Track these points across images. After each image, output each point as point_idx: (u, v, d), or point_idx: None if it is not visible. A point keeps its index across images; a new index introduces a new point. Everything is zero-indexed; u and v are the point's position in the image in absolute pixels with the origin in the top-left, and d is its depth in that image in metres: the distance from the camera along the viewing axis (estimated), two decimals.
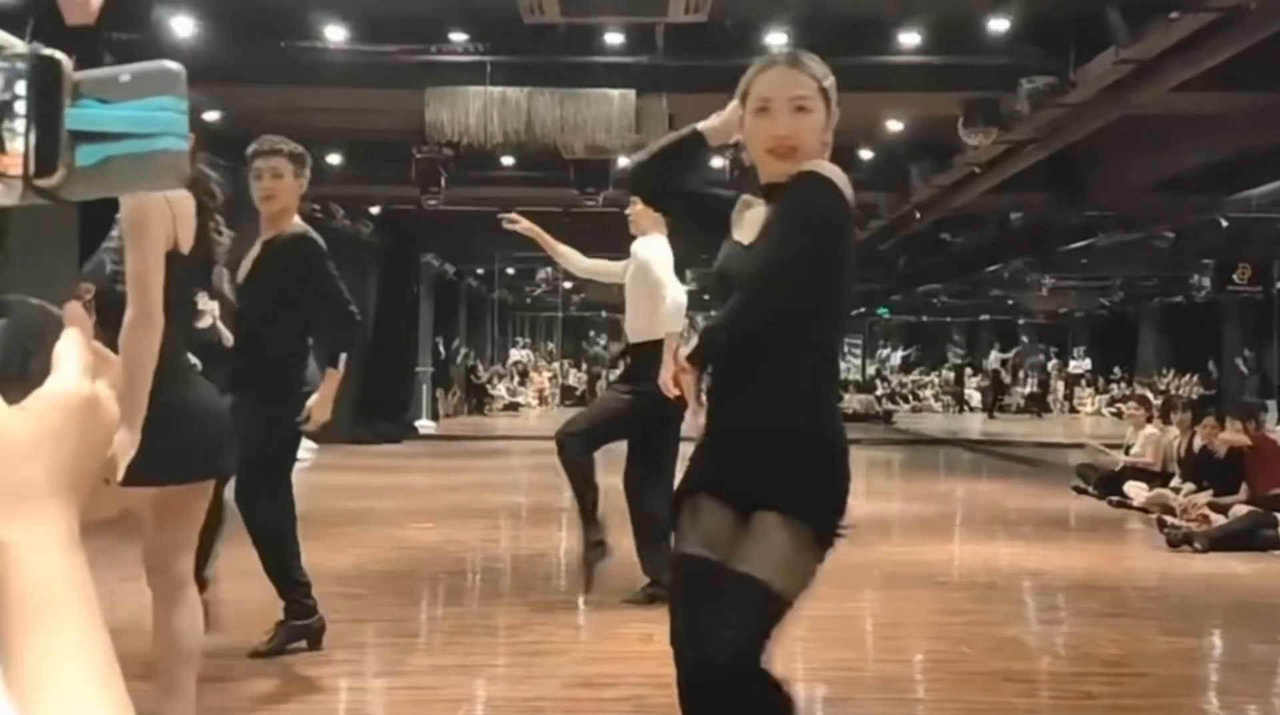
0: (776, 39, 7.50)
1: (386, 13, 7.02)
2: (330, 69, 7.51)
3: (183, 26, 6.99)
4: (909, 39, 7.64)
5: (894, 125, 9.85)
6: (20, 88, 0.59)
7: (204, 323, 11.35)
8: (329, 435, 12.74)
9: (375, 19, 7.15)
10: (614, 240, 17.10)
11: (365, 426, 13.66)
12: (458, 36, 7.51)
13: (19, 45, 0.61)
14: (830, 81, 2.14)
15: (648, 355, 4.59)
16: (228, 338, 11.84)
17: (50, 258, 6.70)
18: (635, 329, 4.82)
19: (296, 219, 3.91)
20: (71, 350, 0.58)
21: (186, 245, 2.57)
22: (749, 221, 2.16)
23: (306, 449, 12.04)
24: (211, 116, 9.02)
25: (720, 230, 2.21)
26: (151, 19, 7.03)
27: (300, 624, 3.87)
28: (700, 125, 2.25)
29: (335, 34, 7.27)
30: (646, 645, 4.21)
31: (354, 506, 8.11)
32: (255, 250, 3.94)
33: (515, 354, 26.95)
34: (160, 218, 2.50)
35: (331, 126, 9.06)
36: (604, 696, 3.54)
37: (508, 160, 10.52)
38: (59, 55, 0.60)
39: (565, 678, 3.73)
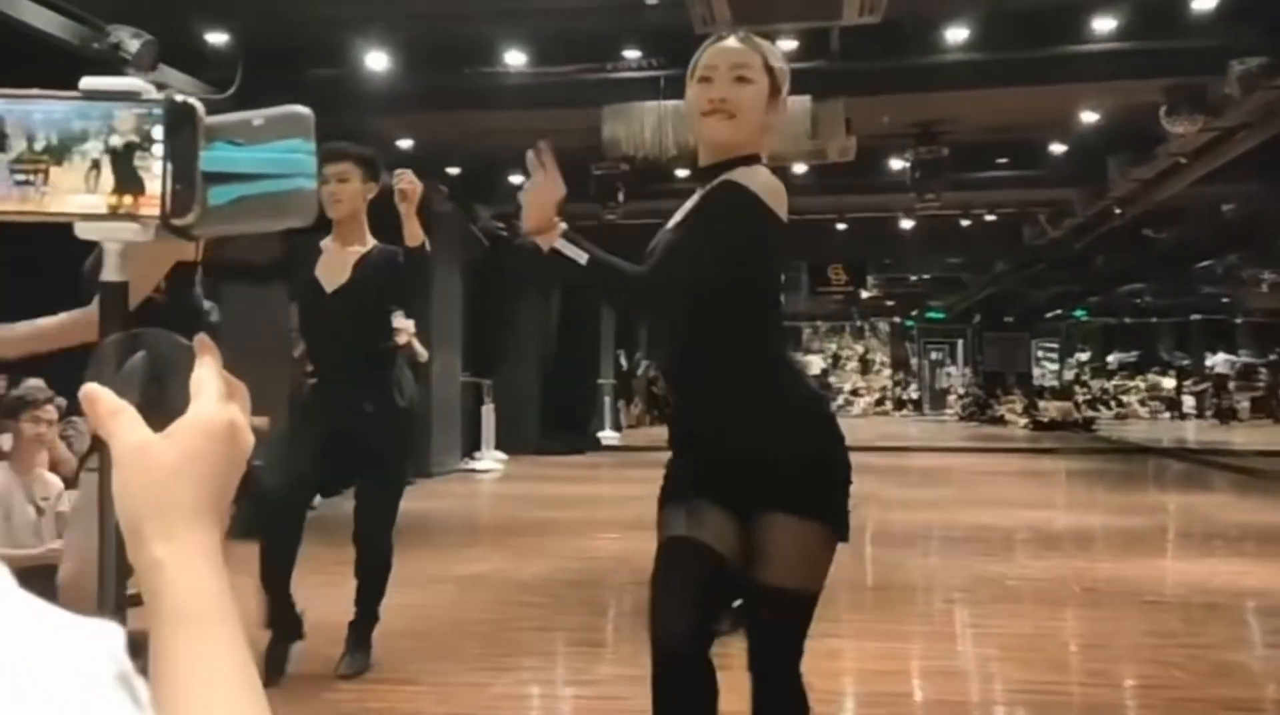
0: (957, 35, 7.25)
1: (563, 35, 7.20)
2: (511, 92, 7.76)
3: (376, 60, 7.38)
4: (1103, 25, 7.23)
5: (1088, 117, 9.34)
6: (157, 132, 0.63)
7: (401, 340, 11.81)
8: (516, 446, 13.20)
9: (552, 41, 7.35)
10: (789, 247, 16.83)
11: (550, 438, 14.02)
12: (631, 53, 7.63)
13: (154, 92, 0.65)
14: (779, 65, 2.08)
15: None
16: (423, 354, 12.30)
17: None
18: None
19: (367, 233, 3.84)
20: (209, 378, 0.62)
21: None
22: (681, 210, 2.13)
23: (495, 460, 12.50)
24: (404, 143, 9.49)
25: None
26: (349, 56, 7.47)
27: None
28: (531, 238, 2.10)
29: (515, 59, 7.51)
30: (831, 661, 4.13)
31: (540, 517, 8.32)
32: (339, 262, 3.83)
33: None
34: None
35: (514, 147, 9.34)
36: None
37: (683, 172, 10.59)
38: (193, 100, 0.64)
39: (743, 691, 3.70)
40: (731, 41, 2.09)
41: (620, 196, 10.01)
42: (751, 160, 2.06)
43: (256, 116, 0.66)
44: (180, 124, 0.64)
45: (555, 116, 8.24)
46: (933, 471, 12.02)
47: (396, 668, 3.99)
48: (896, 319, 28.61)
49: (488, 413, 12.50)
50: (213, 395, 0.61)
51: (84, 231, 0.64)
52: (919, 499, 9.68)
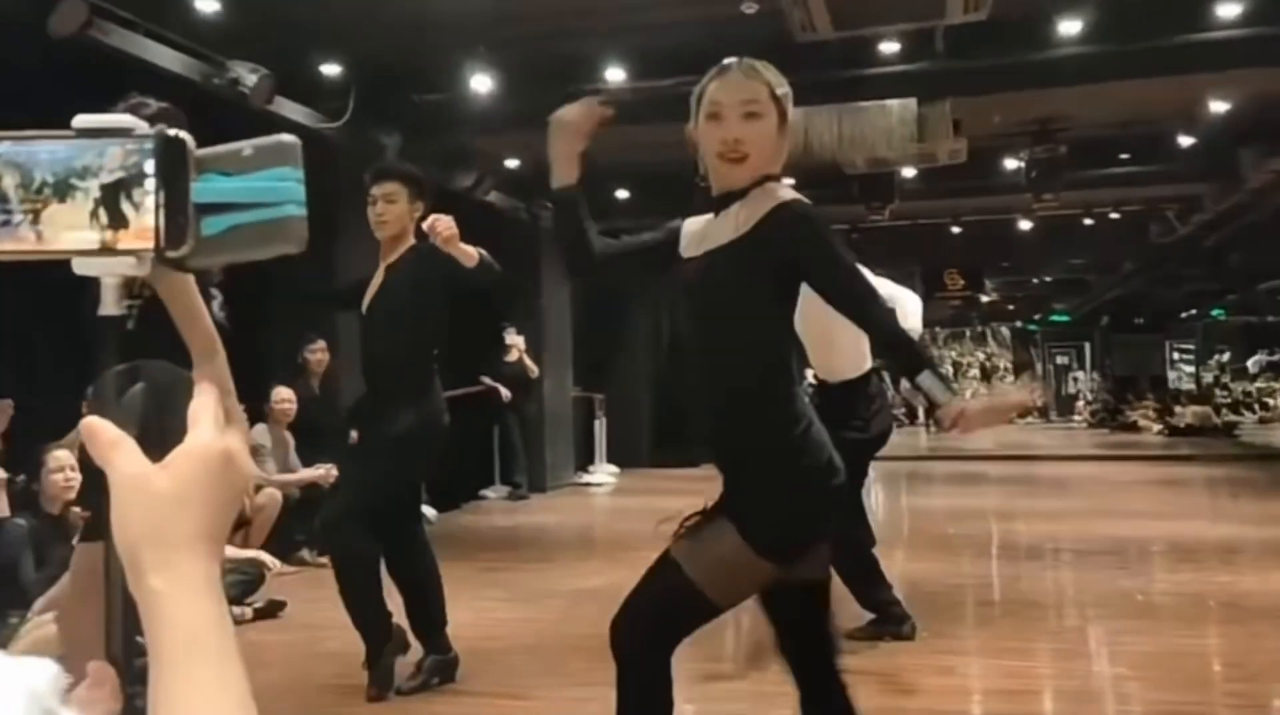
0: (1070, 27, 6.99)
1: (662, 48, 7.21)
2: (613, 108, 7.80)
3: (481, 83, 7.53)
4: (1227, 11, 6.87)
5: (1217, 107, 8.88)
6: (149, 166, 0.64)
7: (511, 357, 11.96)
8: (629, 460, 13.27)
9: (652, 55, 7.37)
10: (902, 252, 16.53)
11: (664, 451, 14.01)
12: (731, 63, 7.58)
13: (146, 128, 0.66)
14: (784, 90, 2.10)
15: (843, 395, 4.29)
16: (534, 370, 12.39)
17: None
18: (830, 368, 4.42)
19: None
20: (206, 408, 0.62)
21: None
22: (698, 235, 2.14)
23: (608, 473, 12.57)
24: (512, 163, 9.64)
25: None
26: (454, 80, 7.63)
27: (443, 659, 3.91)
28: (554, 183, 2.22)
29: (615, 74, 7.56)
30: (946, 679, 4.00)
31: (653, 530, 8.28)
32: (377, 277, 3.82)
33: (809, 374, 26.74)
34: None
35: (616, 162, 9.41)
36: None
37: (788, 180, 10.49)
38: (183, 135, 0.65)
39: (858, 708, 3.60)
40: (737, 74, 2.10)
41: None
42: (763, 182, 2.10)
43: (246, 147, 0.67)
44: (171, 158, 0.65)
45: (658, 130, 8.25)
46: (1061, 481, 11.57)
47: (505, 682, 4.02)
48: (1018, 323, 27.73)
49: (600, 426, 12.58)
50: (209, 424, 0.62)
51: (81, 267, 0.65)
52: (1046, 510, 9.32)
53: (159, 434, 0.62)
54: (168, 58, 6.03)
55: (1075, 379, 26.73)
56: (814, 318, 4.34)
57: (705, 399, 2.12)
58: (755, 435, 2.06)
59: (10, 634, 4.25)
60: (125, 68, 5.60)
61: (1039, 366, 27.81)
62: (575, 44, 7.25)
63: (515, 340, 10.47)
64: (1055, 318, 26.21)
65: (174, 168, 0.65)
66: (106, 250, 0.64)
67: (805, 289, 2.11)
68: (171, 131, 0.66)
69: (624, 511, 10.24)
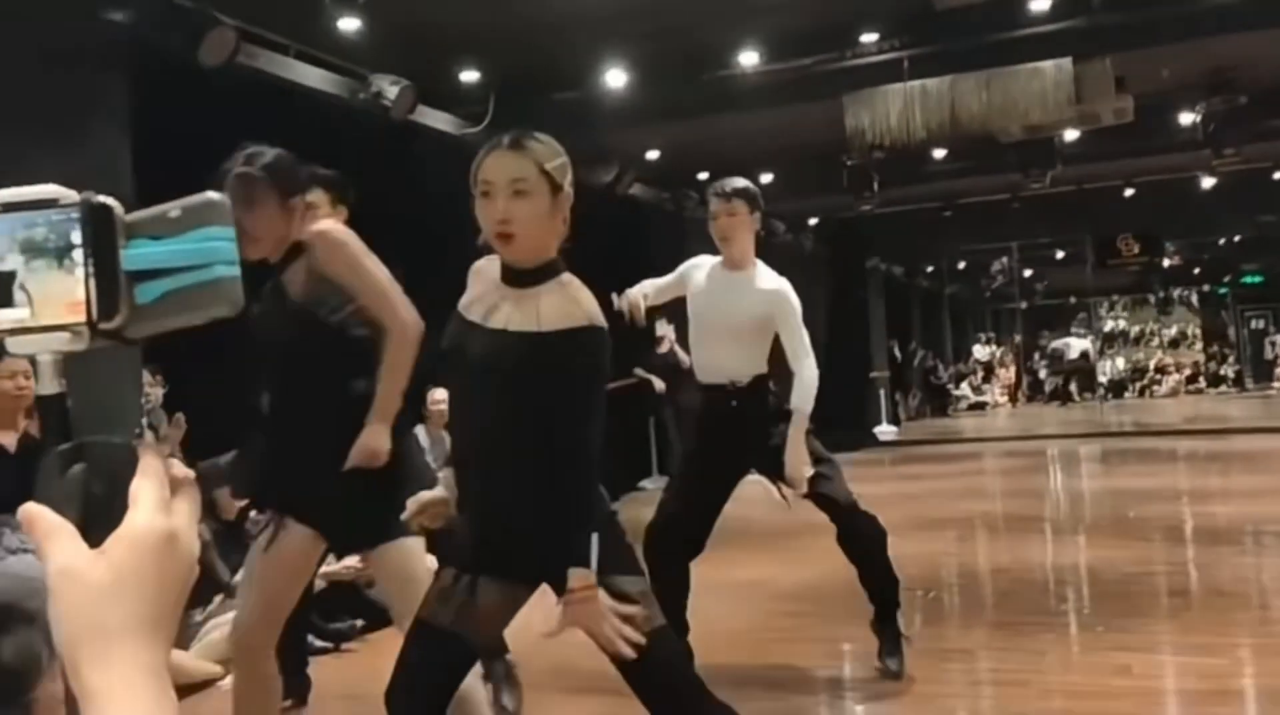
0: None
1: (796, 28, 7.03)
2: (750, 93, 7.67)
3: (615, 78, 7.52)
4: None
5: None
6: (77, 236, 0.61)
7: (663, 348, 12.03)
8: None
9: (786, 36, 7.19)
10: (1069, 220, 15.69)
11: (822, 436, 13.75)
12: (869, 37, 7.33)
13: (72, 196, 0.64)
14: (556, 163, 2.11)
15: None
16: (685, 360, 12.40)
17: None
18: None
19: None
20: (148, 487, 0.59)
21: None
22: (479, 294, 2.18)
23: None
24: (652, 155, 9.62)
25: None
26: (590, 77, 7.66)
27: None
28: None
29: (748, 59, 7.41)
30: (1124, 679, 3.73)
31: (809, 519, 8.12)
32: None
33: (978, 351, 25.77)
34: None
35: (761, 147, 9.26)
36: None
37: (939, 153, 10.07)
38: (109, 201, 0.62)
39: (1023, 713, 3.40)
40: (504, 152, 2.10)
41: (875, 185, 9.66)
42: (552, 270, 2.13)
43: (172, 208, 0.64)
44: (99, 225, 0.63)
45: (796, 111, 8.07)
46: (1259, 456, 10.70)
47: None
48: (1205, 287, 25.94)
49: None
50: (150, 504, 0.58)
51: (16, 346, 0.63)
52: (1243, 489, 8.64)
53: (105, 516, 0.59)
54: (314, 77, 6.26)
55: (1273, 343, 24.81)
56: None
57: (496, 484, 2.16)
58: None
59: (193, 633, 4.51)
60: (271, 91, 5.83)
61: (1231, 332, 25.97)
62: (708, 31, 7.15)
63: (666, 331, 10.45)
64: (1247, 279, 24.38)
65: (102, 235, 0.63)
66: (40, 327, 0.62)
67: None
68: (98, 198, 0.63)
69: (770, 501, 10.07)
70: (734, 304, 3.69)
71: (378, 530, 2.54)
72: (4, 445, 3.99)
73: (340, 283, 2.55)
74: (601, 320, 2.11)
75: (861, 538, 3.89)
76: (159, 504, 0.59)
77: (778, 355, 3.87)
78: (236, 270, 0.64)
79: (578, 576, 2.00)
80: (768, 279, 3.79)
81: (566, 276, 2.15)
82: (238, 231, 2.35)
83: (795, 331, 3.74)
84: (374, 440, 2.49)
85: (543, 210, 2.10)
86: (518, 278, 2.14)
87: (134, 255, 0.63)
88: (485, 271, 2.23)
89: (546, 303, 2.09)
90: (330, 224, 2.68)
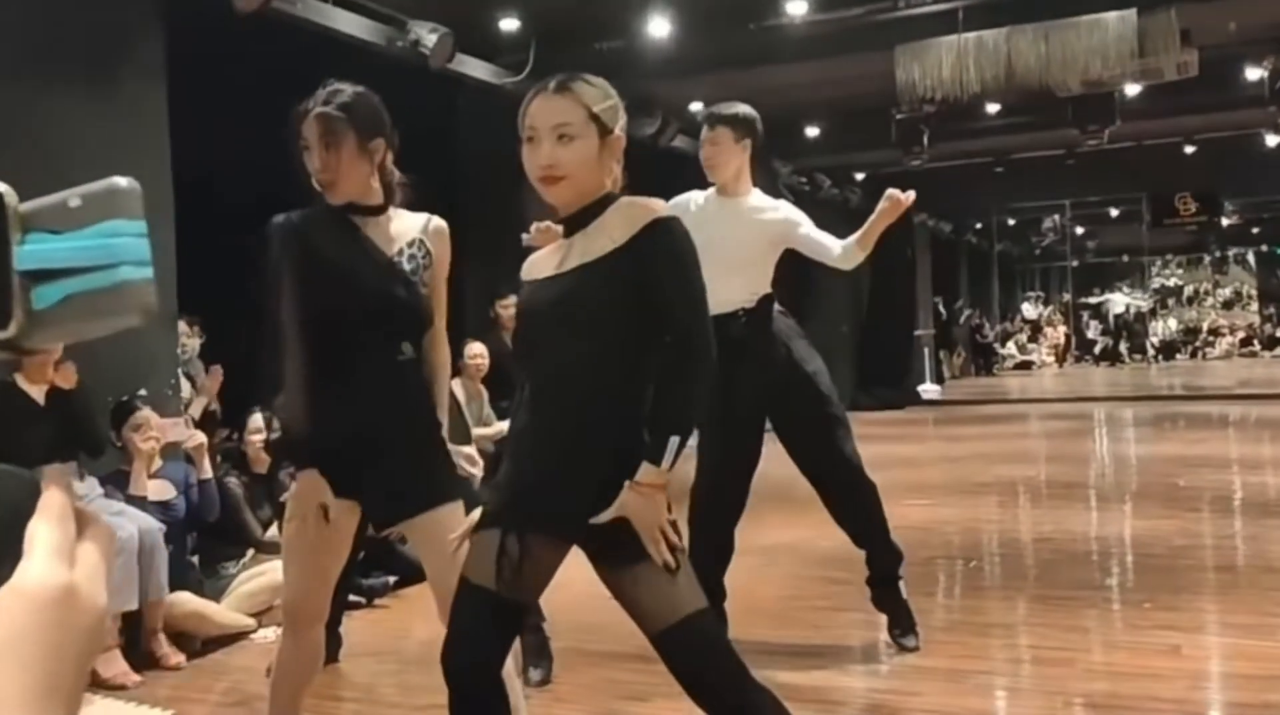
0: None
1: None
2: (798, 43, 7.44)
3: (658, 27, 7.33)
4: None
5: None
6: None
7: None
8: None
9: None
10: (1125, 178, 15.24)
11: (865, 394, 13.61)
12: None
13: None
14: (605, 106, 2.04)
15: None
16: None
17: None
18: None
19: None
20: (42, 529, 0.49)
21: None
22: (539, 261, 2.14)
23: None
24: (695, 106, 9.42)
25: None
26: (633, 26, 7.47)
27: None
28: None
29: (796, 8, 7.18)
30: (1170, 659, 3.61)
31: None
32: None
33: (1026, 309, 25.33)
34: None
35: (808, 99, 9.03)
36: None
37: (993, 108, 9.77)
38: (1, 187, 0.51)
39: (1065, 694, 3.29)
40: (550, 96, 2.04)
41: (925, 139, 9.41)
42: (608, 200, 2.07)
43: (72, 197, 0.53)
44: None
45: (845, 63, 7.83)
46: None
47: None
48: (1264, 247, 25.22)
49: None
50: (45, 552, 0.49)
51: None
52: None
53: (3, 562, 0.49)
54: (350, 23, 6.14)
55: None
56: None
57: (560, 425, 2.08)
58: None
59: (225, 585, 4.53)
60: (307, 37, 5.73)
61: None
62: None
63: None
64: None
65: None
66: None
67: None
68: None
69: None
70: (734, 232, 3.56)
71: (419, 502, 2.49)
72: (33, 397, 3.99)
73: (431, 269, 2.53)
74: (671, 212, 2.05)
75: (864, 505, 3.78)
76: (57, 551, 0.50)
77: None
78: (147, 271, 0.53)
79: (651, 473, 1.94)
80: (764, 200, 3.72)
81: (626, 198, 2.07)
82: (322, 171, 2.24)
83: (810, 233, 3.69)
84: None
85: (590, 155, 2.02)
86: (577, 220, 2.08)
87: (29, 252, 0.53)
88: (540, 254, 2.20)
89: (612, 222, 2.02)
90: (443, 222, 2.62)
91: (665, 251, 2.00)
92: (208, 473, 4.58)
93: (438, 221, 2.56)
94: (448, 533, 2.41)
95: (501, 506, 2.09)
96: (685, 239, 2.03)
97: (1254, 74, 8.89)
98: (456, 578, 2.14)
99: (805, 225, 3.71)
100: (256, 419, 4.86)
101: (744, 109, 3.71)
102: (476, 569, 2.07)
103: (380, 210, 2.51)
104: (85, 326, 0.53)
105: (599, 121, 2.03)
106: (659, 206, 2.05)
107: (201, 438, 4.64)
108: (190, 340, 5.56)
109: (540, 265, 2.15)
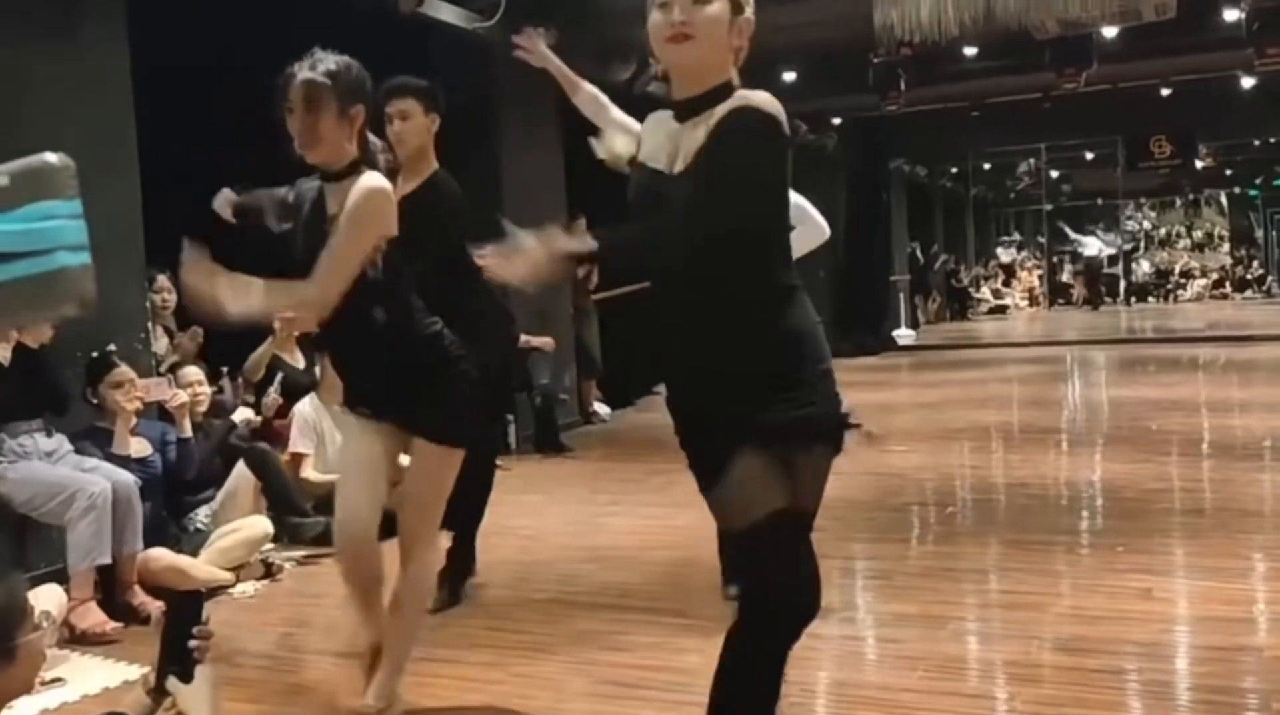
0: None
1: None
2: None
3: None
4: None
5: None
6: None
7: None
8: None
9: None
10: (1101, 121, 15.20)
11: (840, 339, 13.65)
12: None
13: None
14: None
15: None
16: None
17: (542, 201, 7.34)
18: None
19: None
20: None
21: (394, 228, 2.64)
22: (658, 144, 2.05)
23: None
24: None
25: None
26: None
27: None
28: None
29: None
30: (1141, 602, 3.67)
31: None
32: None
33: (1000, 253, 25.40)
34: (387, 218, 2.60)
35: (782, 43, 8.89)
36: (1083, 666, 3.09)
37: (970, 51, 9.68)
38: None
39: (1038, 638, 3.34)
40: None
41: (902, 84, 9.33)
42: (727, 91, 1.99)
43: (1, 176, 0.49)
44: None
45: (821, 6, 7.72)
46: None
47: (663, 596, 3.95)
48: (1236, 189, 25.36)
49: None
50: None
51: None
52: (1264, 400, 8.51)
53: None
54: None
55: None
56: None
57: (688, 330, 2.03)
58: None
59: (201, 540, 4.52)
60: None
61: (1260, 234, 25.49)
62: None
63: None
64: None
65: None
66: None
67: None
68: None
69: None
70: None
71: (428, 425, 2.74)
72: None
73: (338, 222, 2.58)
74: (772, 108, 1.93)
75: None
76: None
77: None
78: (85, 257, 0.50)
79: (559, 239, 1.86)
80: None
81: (744, 91, 1.98)
82: (302, 134, 2.25)
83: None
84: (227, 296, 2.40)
85: (722, 22, 1.98)
86: (692, 107, 1.99)
87: None
88: (660, 121, 2.09)
89: (720, 113, 1.95)
90: (379, 181, 2.60)
91: (727, 140, 1.91)
92: (187, 431, 4.55)
93: (364, 180, 2.58)
94: (449, 473, 2.78)
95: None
96: (761, 134, 1.92)
97: (1231, 15, 8.85)
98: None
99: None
100: (188, 372, 4.94)
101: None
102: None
103: (346, 174, 2.60)
104: (20, 316, 0.50)
105: None
106: (761, 99, 1.94)
107: (184, 397, 4.60)
108: (171, 295, 5.48)
109: (657, 155, 2.05)
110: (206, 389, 4.99)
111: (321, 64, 2.57)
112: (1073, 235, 24.62)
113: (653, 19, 2.01)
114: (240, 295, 2.38)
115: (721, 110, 1.95)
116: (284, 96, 2.56)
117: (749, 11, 2.03)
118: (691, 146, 1.97)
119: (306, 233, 2.65)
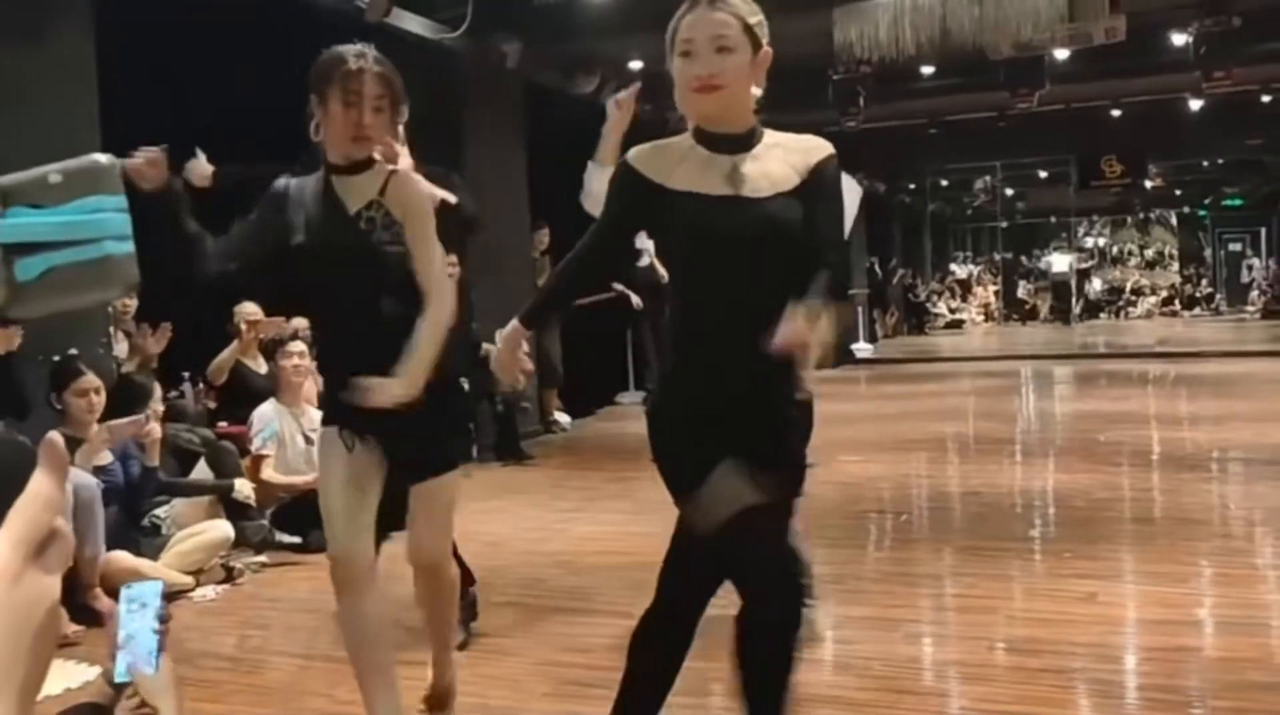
0: None
1: None
2: None
3: None
4: None
5: None
6: None
7: (643, 262, 11.90)
8: None
9: None
10: (1054, 140, 15.46)
11: None
12: None
13: None
14: (757, 19, 2.10)
15: None
16: (665, 275, 12.26)
17: None
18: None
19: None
20: (16, 520, 0.49)
21: None
22: (697, 172, 2.09)
23: None
24: (635, 64, 9.37)
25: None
26: None
27: None
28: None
29: None
30: (1087, 606, 3.78)
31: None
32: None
33: (956, 269, 25.78)
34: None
35: None
36: (1030, 666, 3.19)
37: (928, 70, 9.87)
38: None
39: (988, 640, 3.44)
40: (706, 9, 2.09)
41: (861, 101, 9.48)
42: (760, 132, 2.15)
43: (53, 172, 0.55)
44: None
45: (783, 23, 7.83)
46: (1228, 380, 10.82)
47: (622, 601, 3.99)
48: (1186, 209, 25.94)
49: None
50: (12, 537, 0.49)
51: None
52: (1211, 414, 8.74)
53: None
54: None
55: (1250, 267, 24.95)
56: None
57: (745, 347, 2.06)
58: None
59: (162, 544, 4.51)
60: None
61: (1209, 253, 26.07)
62: None
63: (646, 244, 10.30)
64: (1228, 202, 24.39)
65: None
66: None
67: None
68: None
69: None
70: None
71: (440, 464, 2.64)
72: None
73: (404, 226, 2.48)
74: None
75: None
76: (22, 539, 0.49)
77: None
78: (129, 246, 0.55)
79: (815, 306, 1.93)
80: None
81: (791, 135, 2.19)
82: (363, 128, 2.07)
83: None
84: (400, 389, 2.38)
85: (745, 66, 2.09)
86: (738, 142, 2.12)
87: (12, 226, 0.54)
88: (679, 152, 2.13)
89: (790, 150, 2.14)
90: (413, 173, 2.61)
91: (833, 188, 2.16)
92: (154, 463, 4.53)
93: (404, 176, 2.54)
94: (453, 493, 2.68)
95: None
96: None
97: (1179, 39, 9.09)
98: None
99: None
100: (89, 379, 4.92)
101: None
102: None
103: (365, 167, 2.51)
104: (67, 299, 0.55)
105: (752, 34, 2.10)
106: (827, 144, 2.18)
107: (159, 433, 4.57)
108: (131, 300, 5.45)
109: (692, 174, 2.10)
110: (262, 318, 5.25)
111: (374, 56, 2.46)
112: (1046, 256, 25.00)
113: (677, 66, 2.09)
114: (416, 376, 2.36)
115: (790, 143, 2.15)
116: (345, 85, 2.41)
117: (766, 42, 2.11)
118: (776, 174, 2.10)
119: (323, 226, 2.49)
